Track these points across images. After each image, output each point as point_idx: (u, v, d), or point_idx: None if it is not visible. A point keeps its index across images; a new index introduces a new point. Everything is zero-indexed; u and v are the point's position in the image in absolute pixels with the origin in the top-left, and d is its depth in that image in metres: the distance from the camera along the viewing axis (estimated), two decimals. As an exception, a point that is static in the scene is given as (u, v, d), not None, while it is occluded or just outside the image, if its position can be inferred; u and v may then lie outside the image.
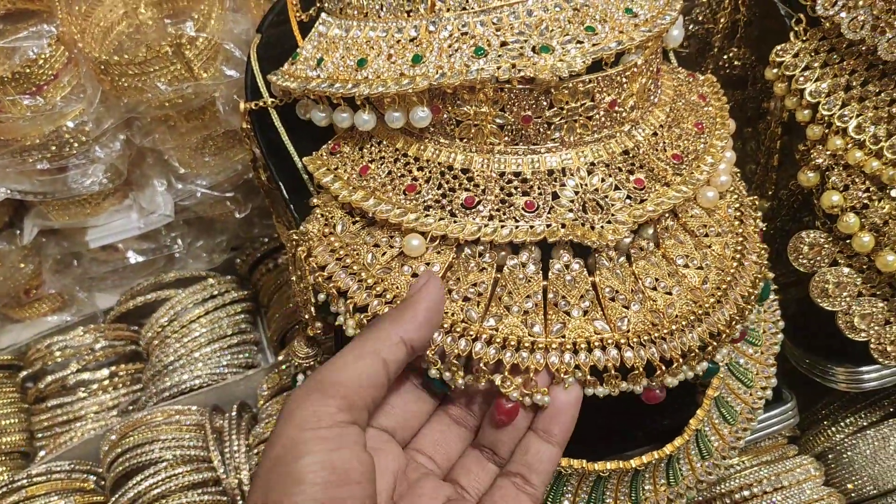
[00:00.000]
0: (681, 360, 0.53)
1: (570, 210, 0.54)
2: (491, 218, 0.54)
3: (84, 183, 0.86)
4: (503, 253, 0.56)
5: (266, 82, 0.70)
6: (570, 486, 0.63)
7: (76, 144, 0.83)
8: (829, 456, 0.86)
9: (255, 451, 0.88)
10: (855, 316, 0.73)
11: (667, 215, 0.58)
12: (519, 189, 0.55)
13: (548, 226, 0.54)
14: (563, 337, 0.52)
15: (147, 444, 0.88)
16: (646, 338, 0.53)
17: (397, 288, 0.54)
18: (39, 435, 1.00)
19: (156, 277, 1.07)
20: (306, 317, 0.61)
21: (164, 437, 0.89)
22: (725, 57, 0.83)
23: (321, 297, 0.57)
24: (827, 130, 0.71)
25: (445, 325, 0.52)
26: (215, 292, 1.05)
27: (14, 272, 0.99)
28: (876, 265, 0.70)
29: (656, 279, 0.56)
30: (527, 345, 0.52)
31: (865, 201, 0.69)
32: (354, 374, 0.44)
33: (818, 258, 0.73)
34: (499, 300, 0.54)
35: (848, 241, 0.71)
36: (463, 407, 0.54)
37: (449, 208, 0.55)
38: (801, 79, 0.71)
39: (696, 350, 0.54)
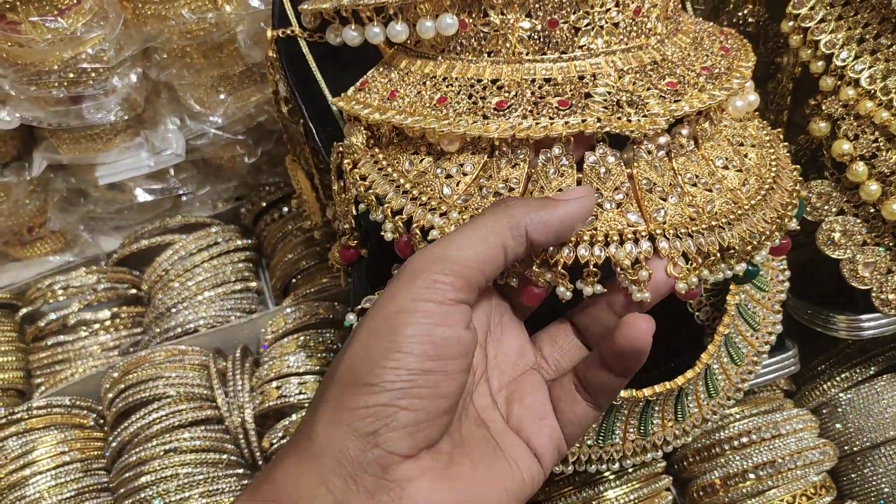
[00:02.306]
0: (719, 255, 0.51)
1: (605, 107, 0.53)
2: (524, 117, 0.53)
3: (98, 114, 0.85)
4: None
5: (294, 9, 0.71)
6: None
7: (94, 74, 0.82)
8: (824, 411, 0.88)
9: (259, 391, 0.88)
10: (859, 264, 0.75)
11: (703, 119, 0.58)
12: (550, 92, 0.55)
13: (583, 120, 0.52)
14: (595, 229, 0.50)
15: (150, 381, 0.87)
16: (682, 230, 0.51)
17: (431, 189, 0.54)
18: (38, 373, 0.99)
19: (161, 222, 1.07)
20: (346, 226, 0.62)
21: (167, 374, 0.88)
22: (740, 14, 0.85)
23: (361, 206, 0.58)
24: (839, 82, 0.73)
25: None
26: (219, 240, 1.05)
27: (18, 207, 0.98)
28: (881, 214, 0.72)
29: (696, 175, 0.55)
30: None
31: (874, 151, 0.72)
32: (477, 256, 0.43)
33: (826, 207, 0.75)
34: (531, 195, 0.53)
35: (855, 191, 0.73)
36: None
37: (482, 112, 0.54)
38: (817, 31, 0.73)
39: (736, 247, 0.52)
